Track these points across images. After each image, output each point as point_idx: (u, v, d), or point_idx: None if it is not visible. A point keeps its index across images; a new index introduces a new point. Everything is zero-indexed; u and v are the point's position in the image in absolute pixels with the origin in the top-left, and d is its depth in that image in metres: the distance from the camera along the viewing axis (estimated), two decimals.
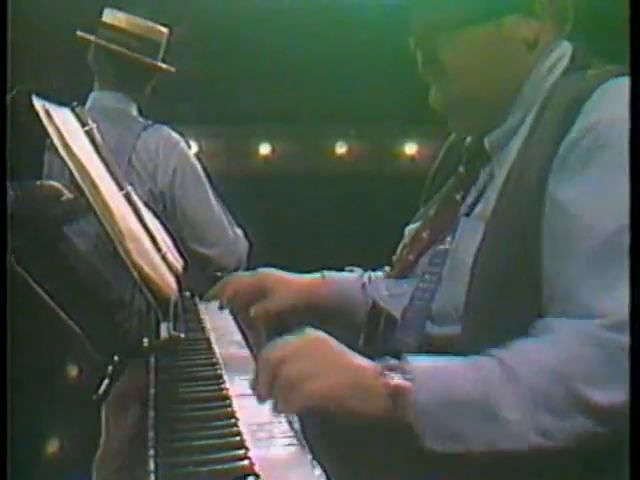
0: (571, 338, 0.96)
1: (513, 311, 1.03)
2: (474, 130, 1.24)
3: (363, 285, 1.53)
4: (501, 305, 1.04)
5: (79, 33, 2.47)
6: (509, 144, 1.16)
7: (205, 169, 2.56)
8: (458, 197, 1.24)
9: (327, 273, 1.58)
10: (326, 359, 0.96)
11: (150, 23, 2.49)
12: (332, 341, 0.98)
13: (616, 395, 0.91)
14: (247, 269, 2.66)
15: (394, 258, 1.40)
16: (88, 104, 2.44)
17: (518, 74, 1.18)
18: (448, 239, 1.22)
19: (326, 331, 1.01)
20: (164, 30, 2.52)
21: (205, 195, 2.48)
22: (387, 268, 1.54)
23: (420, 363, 0.97)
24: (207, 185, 2.50)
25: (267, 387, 0.94)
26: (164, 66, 2.52)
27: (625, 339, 0.91)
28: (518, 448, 0.92)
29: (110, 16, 2.46)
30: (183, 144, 2.50)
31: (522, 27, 1.16)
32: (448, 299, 1.16)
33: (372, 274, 1.58)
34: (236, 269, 2.51)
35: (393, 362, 0.96)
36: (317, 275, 1.58)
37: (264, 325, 1.61)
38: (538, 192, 1.05)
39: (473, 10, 1.16)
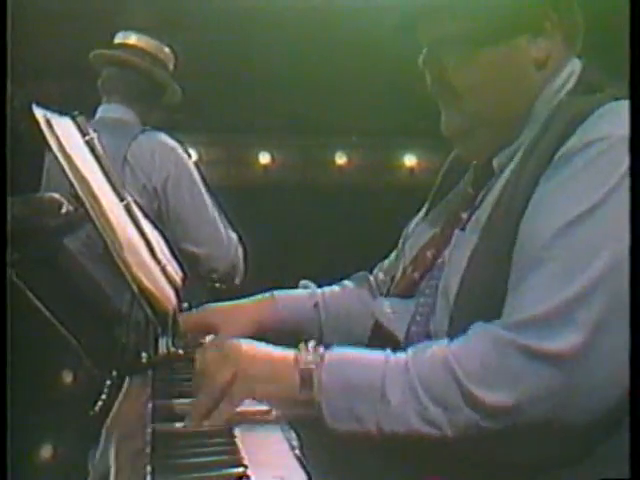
0: (473, 335, 1.00)
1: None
2: (484, 152, 1.23)
3: (316, 304, 1.50)
4: (486, 319, 1.03)
5: (93, 53, 2.53)
6: (511, 162, 1.16)
7: (203, 177, 2.60)
8: (464, 216, 1.23)
9: (277, 293, 1.52)
10: (244, 359, 1.07)
11: (159, 43, 2.59)
12: (246, 343, 1.11)
13: (502, 394, 0.94)
14: (245, 277, 2.66)
15: (397, 275, 1.39)
16: (97, 116, 2.50)
17: (528, 94, 1.17)
18: (446, 253, 1.21)
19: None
20: (170, 53, 2.62)
21: (199, 195, 2.52)
22: (345, 282, 1.54)
23: (334, 349, 1.06)
24: (202, 187, 2.54)
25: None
26: (174, 84, 2.60)
27: (522, 340, 0.94)
28: (403, 432, 0.98)
29: (122, 36, 2.57)
30: (180, 149, 2.54)
31: (532, 47, 1.16)
32: (440, 314, 1.15)
33: (327, 289, 1.55)
34: (230, 274, 2.54)
35: (310, 346, 1.06)
36: (267, 295, 1.52)
37: None
38: (524, 206, 1.05)
39: (483, 32, 1.15)
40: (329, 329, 1.48)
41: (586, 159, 1.01)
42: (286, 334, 1.47)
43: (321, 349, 1.05)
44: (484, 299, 1.06)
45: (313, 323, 1.49)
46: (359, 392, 1.00)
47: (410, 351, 1.03)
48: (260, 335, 1.42)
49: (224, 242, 2.52)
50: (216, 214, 2.54)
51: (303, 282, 1.59)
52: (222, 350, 1.09)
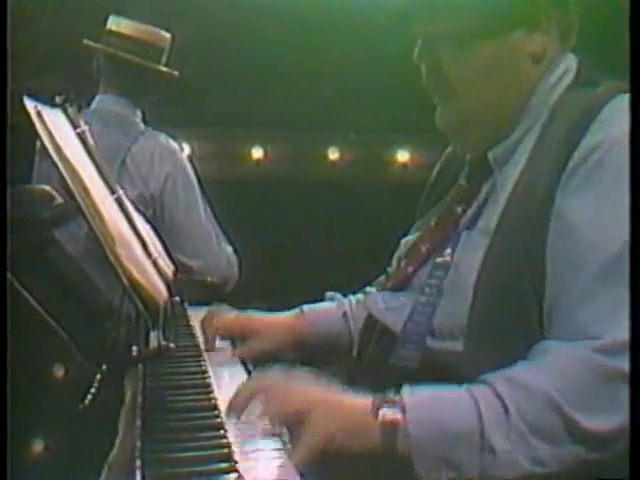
0: (565, 362, 0.95)
1: (516, 328, 1.02)
2: (479, 147, 1.23)
3: (344, 314, 1.51)
4: (505, 322, 1.03)
5: (85, 41, 2.49)
6: (513, 157, 1.15)
7: (196, 172, 2.55)
8: (459, 210, 1.22)
9: (306, 307, 1.53)
10: (321, 404, 0.96)
11: (154, 29, 2.52)
12: (319, 382, 1.02)
13: (609, 421, 0.91)
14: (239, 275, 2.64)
15: (389, 270, 1.38)
16: (92, 106, 2.47)
17: (524, 88, 1.17)
18: (448, 251, 1.21)
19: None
20: (167, 35, 2.55)
21: (195, 205, 2.48)
22: (368, 289, 1.53)
23: (413, 395, 0.97)
24: (199, 196, 2.50)
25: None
26: (167, 70, 2.53)
27: (621, 363, 0.90)
28: (511, 475, 0.92)
29: (115, 23, 2.49)
30: (180, 153, 2.51)
31: (528, 42, 1.16)
32: (450, 314, 1.14)
33: (352, 298, 1.55)
34: (222, 284, 2.50)
35: (386, 396, 0.97)
36: (296, 311, 1.53)
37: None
38: (545, 207, 1.04)
39: (479, 26, 1.15)
40: (359, 337, 1.44)
41: (620, 160, 0.98)
42: (319, 346, 1.49)
43: (401, 395, 0.97)
44: (504, 300, 1.05)
45: (344, 333, 1.49)
46: (455, 441, 0.93)
47: (499, 385, 0.96)
48: (290, 349, 1.45)
49: (216, 254, 2.49)
50: (211, 226, 2.50)
51: (329, 294, 1.59)
52: (291, 376, 1.02)
